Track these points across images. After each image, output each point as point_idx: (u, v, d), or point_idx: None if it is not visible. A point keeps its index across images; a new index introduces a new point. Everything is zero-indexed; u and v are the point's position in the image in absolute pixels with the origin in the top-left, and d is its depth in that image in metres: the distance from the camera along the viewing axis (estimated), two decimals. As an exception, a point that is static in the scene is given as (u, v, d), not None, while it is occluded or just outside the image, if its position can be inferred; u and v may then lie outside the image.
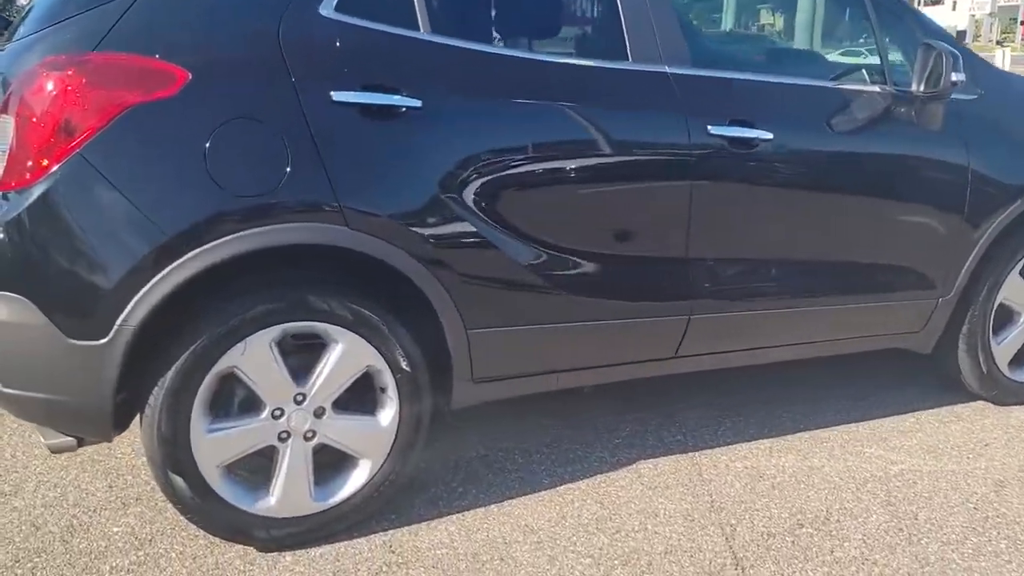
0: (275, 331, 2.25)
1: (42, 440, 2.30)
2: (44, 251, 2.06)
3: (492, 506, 2.66)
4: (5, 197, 2.08)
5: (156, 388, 2.18)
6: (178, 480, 2.25)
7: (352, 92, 2.24)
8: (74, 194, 2.06)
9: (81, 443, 2.33)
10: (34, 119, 2.03)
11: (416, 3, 2.36)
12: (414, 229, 2.31)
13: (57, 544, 2.42)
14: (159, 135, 2.09)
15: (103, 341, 2.09)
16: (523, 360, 2.62)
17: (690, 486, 2.80)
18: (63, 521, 2.53)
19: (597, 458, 3.00)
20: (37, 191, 2.04)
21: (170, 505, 2.49)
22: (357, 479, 2.46)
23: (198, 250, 2.10)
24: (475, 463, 2.92)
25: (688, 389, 3.45)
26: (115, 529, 2.50)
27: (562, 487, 2.78)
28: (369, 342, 2.36)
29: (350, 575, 2.31)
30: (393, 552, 2.40)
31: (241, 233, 2.14)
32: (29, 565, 2.32)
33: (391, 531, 2.51)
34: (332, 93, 2.21)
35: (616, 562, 2.38)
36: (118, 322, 2.09)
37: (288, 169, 2.17)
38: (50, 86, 2.03)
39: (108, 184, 2.06)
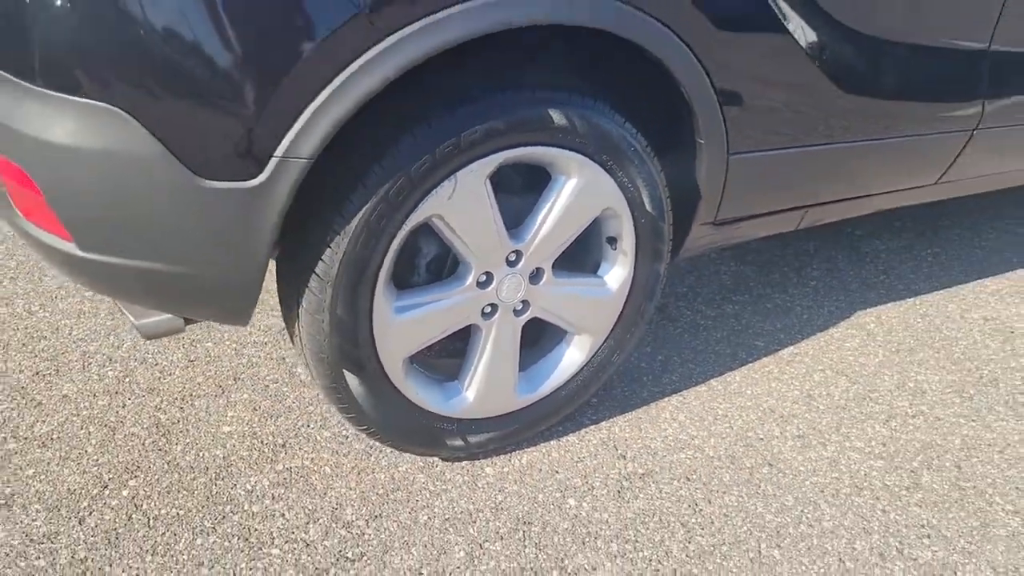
0: (493, 162, 1.46)
1: (130, 320, 1.51)
2: (151, 27, 1.17)
3: (713, 383, 2.04)
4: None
5: (328, 252, 1.40)
6: (353, 380, 1.53)
7: None
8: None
9: (188, 322, 1.55)
10: None
11: None
12: (698, 7, 1.50)
13: (153, 456, 1.69)
14: None
15: (254, 182, 1.28)
16: (775, 194, 1.92)
17: (934, 346, 2.24)
18: (146, 419, 1.79)
19: (802, 307, 2.38)
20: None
21: (288, 397, 1.78)
22: (570, 362, 1.78)
23: (410, 29, 1.26)
24: (656, 319, 2.27)
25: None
26: (226, 429, 1.77)
27: (784, 352, 2.17)
28: (613, 176, 1.60)
29: (585, 493, 1.68)
30: (624, 458, 1.78)
31: (470, 3, 1.29)
32: (124, 493, 1.60)
33: (604, 425, 1.88)
34: None
35: (916, 463, 1.82)
36: (278, 152, 1.26)
37: None
38: None
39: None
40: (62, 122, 1.22)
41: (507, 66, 1.49)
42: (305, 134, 1.26)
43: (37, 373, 1.89)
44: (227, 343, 2.04)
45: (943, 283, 2.57)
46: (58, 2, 1.18)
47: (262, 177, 1.27)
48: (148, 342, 2.01)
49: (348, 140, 1.37)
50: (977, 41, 1.94)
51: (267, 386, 1.91)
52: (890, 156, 1.99)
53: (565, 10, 1.35)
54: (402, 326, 1.52)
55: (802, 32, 1.64)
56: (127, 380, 1.89)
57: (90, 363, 1.94)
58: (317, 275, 1.42)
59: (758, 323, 2.30)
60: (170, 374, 1.92)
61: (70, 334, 2.03)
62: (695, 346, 2.18)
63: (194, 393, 1.87)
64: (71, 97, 1.21)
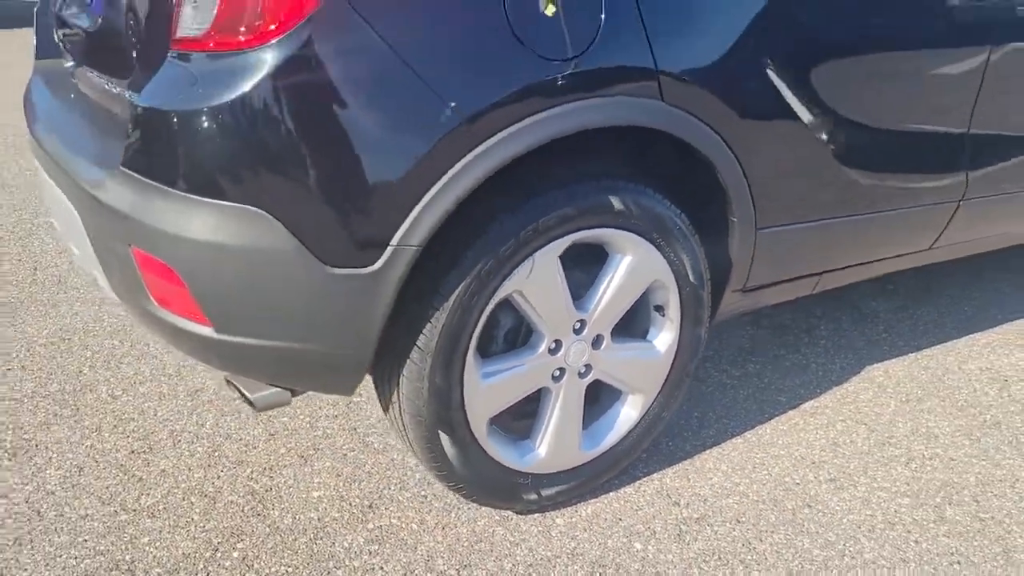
0: (564, 243, 1.69)
1: (244, 395, 1.69)
2: (290, 143, 1.40)
3: (747, 436, 2.24)
4: (220, 58, 1.40)
5: (428, 326, 1.61)
6: (446, 440, 1.72)
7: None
8: (334, 57, 1.39)
9: (294, 395, 1.74)
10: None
11: None
12: (731, 104, 1.76)
13: (254, 521, 1.85)
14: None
15: (373, 268, 1.49)
16: (795, 263, 2.16)
17: (940, 395, 2.47)
18: (241, 488, 1.95)
19: (817, 365, 2.61)
20: (275, 54, 1.37)
21: (367, 463, 1.96)
22: (626, 419, 1.98)
23: (504, 133, 1.50)
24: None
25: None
26: (316, 494, 1.94)
27: (806, 406, 2.39)
28: (661, 251, 1.83)
29: (649, 538, 1.86)
30: (678, 504, 1.97)
31: (553, 110, 1.54)
32: (235, 555, 1.75)
33: (655, 476, 2.07)
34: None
35: (938, 499, 2.02)
36: (394, 241, 1.48)
37: (603, 18, 1.56)
38: None
39: (381, 41, 1.40)
40: (210, 223, 1.44)
41: (574, 161, 1.73)
42: (416, 226, 1.48)
43: (133, 451, 2.05)
44: (301, 417, 2.21)
45: (939, 338, 2.82)
46: (205, 124, 1.41)
47: (379, 263, 1.48)
48: (228, 420, 2.18)
49: (447, 227, 1.58)
50: (958, 127, 2.22)
51: (345, 454, 2.08)
52: (891, 226, 2.25)
53: (640, 115, 1.60)
54: (488, 390, 1.72)
55: (813, 124, 1.90)
56: (216, 454, 2.06)
57: (179, 440, 2.10)
58: (418, 346, 1.62)
59: (779, 380, 2.52)
60: (254, 447, 2.09)
61: (155, 415, 2.20)
62: (725, 403, 2.39)
63: (280, 463, 2.04)
64: (219, 202, 1.42)
